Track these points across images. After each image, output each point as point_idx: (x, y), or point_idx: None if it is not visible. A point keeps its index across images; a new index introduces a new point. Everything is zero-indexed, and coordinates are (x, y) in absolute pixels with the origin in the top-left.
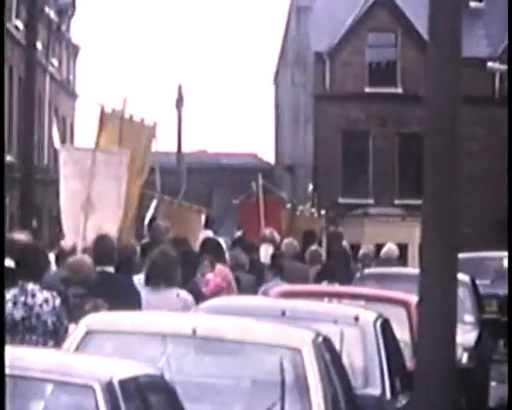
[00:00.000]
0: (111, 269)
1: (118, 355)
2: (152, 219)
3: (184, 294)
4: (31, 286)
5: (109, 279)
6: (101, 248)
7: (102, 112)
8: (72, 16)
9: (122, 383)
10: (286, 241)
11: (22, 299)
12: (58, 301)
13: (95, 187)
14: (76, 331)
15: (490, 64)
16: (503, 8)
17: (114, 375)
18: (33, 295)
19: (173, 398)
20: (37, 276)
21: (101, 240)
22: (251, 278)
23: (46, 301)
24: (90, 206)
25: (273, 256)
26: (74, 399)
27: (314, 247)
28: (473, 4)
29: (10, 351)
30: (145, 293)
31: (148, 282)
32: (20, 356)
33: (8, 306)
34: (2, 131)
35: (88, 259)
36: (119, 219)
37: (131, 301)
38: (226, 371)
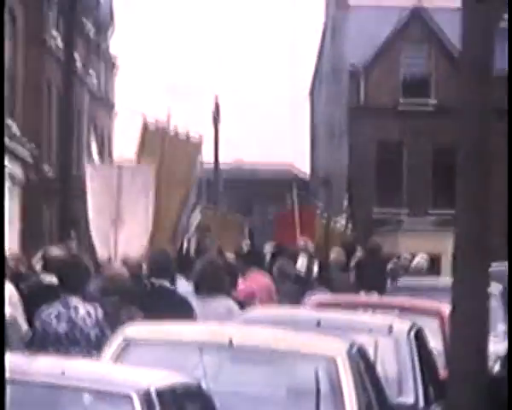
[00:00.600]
0: (166, 283)
1: (155, 365)
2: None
3: (231, 303)
4: (73, 300)
5: (164, 293)
6: (158, 261)
7: (145, 127)
8: (110, 31)
9: (159, 392)
10: (334, 252)
11: (65, 313)
12: (100, 314)
13: (123, 201)
14: (114, 342)
15: None
16: None
17: (152, 384)
18: (76, 309)
19: (210, 407)
20: (78, 289)
21: (158, 253)
22: (296, 288)
23: (89, 314)
24: (119, 220)
25: (320, 266)
26: (112, 408)
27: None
28: (504, 24)
29: (50, 361)
30: (193, 302)
31: (196, 291)
32: (59, 366)
33: (52, 321)
34: (3, 129)
35: (123, 269)
36: (148, 231)
37: (186, 313)
38: (262, 381)
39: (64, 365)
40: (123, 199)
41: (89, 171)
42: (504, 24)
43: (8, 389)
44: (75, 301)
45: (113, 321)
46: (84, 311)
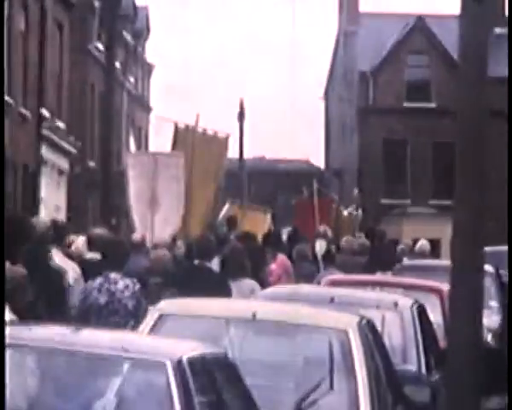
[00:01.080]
0: (208, 263)
1: (187, 336)
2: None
3: (252, 283)
4: (113, 275)
5: (205, 271)
6: (202, 245)
7: (176, 128)
8: (146, 38)
9: (190, 360)
10: (345, 238)
11: (106, 286)
12: (137, 287)
13: (158, 186)
14: (150, 315)
15: None
16: None
17: (184, 354)
18: (115, 283)
19: (235, 374)
20: (119, 266)
21: (202, 238)
22: (312, 268)
23: (127, 287)
24: (155, 203)
25: (328, 250)
26: (148, 375)
27: (362, 240)
28: (497, 30)
29: (91, 332)
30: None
31: (224, 268)
32: (100, 337)
33: (94, 293)
34: (3, 126)
35: (167, 253)
36: (180, 214)
37: (222, 291)
38: (281, 350)
39: (105, 336)
40: (158, 184)
41: (128, 160)
42: (499, 30)
43: (58, 358)
44: (115, 275)
45: (155, 299)
46: (122, 284)
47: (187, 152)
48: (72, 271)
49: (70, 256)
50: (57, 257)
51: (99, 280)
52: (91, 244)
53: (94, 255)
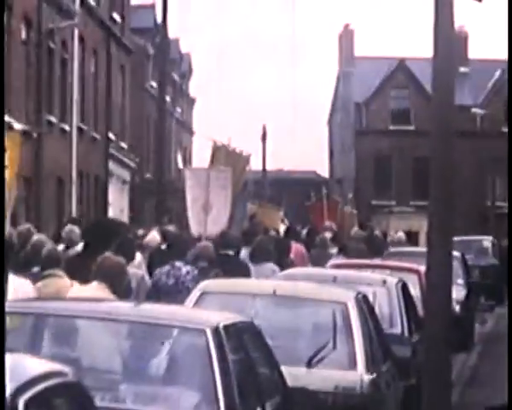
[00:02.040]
0: (231, 252)
1: (222, 309)
2: (250, 217)
3: (273, 266)
4: (178, 263)
5: (230, 258)
6: (227, 238)
7: (215, 146)
8: (189, 78)
9: (225, 327)
10: (354, 230)
11: (172, 272)
12: (196, 272)
13: (210, 193)
14: (194, 293)
15: (473, 110)
16: (482, 72)
17: (220, 322)
18: (179, 269)
19: (260, 337)
20: (182, 255)
21: (226, 233)
22: (321, 254)
23: (188, 272)
24: (208, 206)
25: (336, 239)
26: (192, 339)
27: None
28: (462, 69)
29: (149, 306)
30: (251, 266)
31: (252, 258)
32: (156, 310)
33: (163, 277)
34: (3, 128)
35: (210, 244)
36: (227, 215)
37: (244, 273)
38: (295, 319)
39: (160, 309)
40: (210, 192)
41: (187, 173)
42: (462, 69)
43: (125, 326)
44: (179, 263)
45: (203, 278)
46: (185, 270)
47: (221, 164)
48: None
49: (141, 247)
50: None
51: (167, 267)
52: (164, 237)
53: (163, 246)
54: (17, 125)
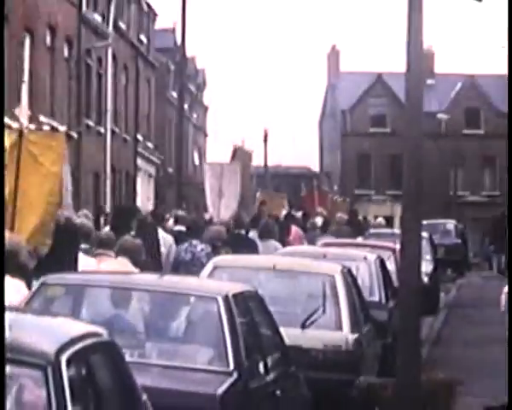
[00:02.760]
0: (243, 231)
1: (231, 280)
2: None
3: (276, 244)
4: (194, 241)
5: (241, 236)
6: (240, 220)
7: (235, 148)
8: (203, 89)
9: (234, 296)
10: (338, 215)
11: (190, 249)
12: (209, 249)
13: (224, 183)
14: (207, 267)
15: (438, 115)
16: (446, 84)
17: (229, 291)
18: (195, 247)
19: (262, 304)
20: (198, 235)
21: (239, 216)
22: (315, 235)
23: (202, 249)
24: (221, 194)
25: (325, 223)
26: (206, 305)
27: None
28: (428, 81)
29: (170, 278)
30: (258, 242)
31: (259, 236)
32: (176, 281)
33: (182, 253)
34: (3, 129)
35: (223, 227)
36: (237, 201)
37: (253, 249)
38: (292, 289)
39: (179, 280)
40: (223, 183)
41: (205, 167)
42: (429, 81)
43: (150, 295)
44: (195, 242)
45: (216, 255)
46: (200, 247)
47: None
48: (168, 239)
49: (165, 229)
50: (160, 231)
51: (185, 245)
52: (177, 221)
53: (180, 228)
54: (61, 128)
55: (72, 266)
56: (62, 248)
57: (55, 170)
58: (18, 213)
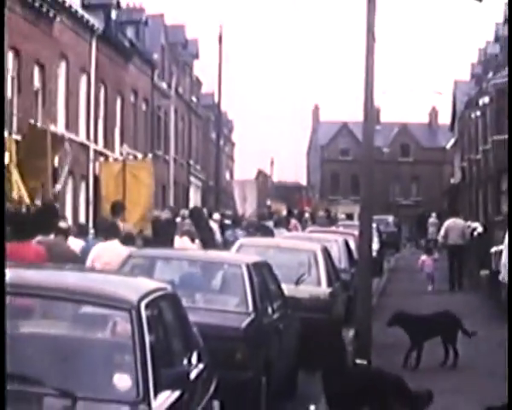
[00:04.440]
0: (265, 223)
1: (251, 254)
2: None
3: (284, 230)
4: (236, 229)
5: (264, 226)
6: (263, 216)
7: (259, 171)
8: (232, 131)
9: (252, 264)
10: (320, 213)
11: (233, 234)
12: (245, 233)
13: (247, 192)
14: (236, 245)
15: (383, 149)
16: (387, 129)
17: (249, 261)
18: (237, 232)
19: (271, 269)
20: (238, 225)
21: (261, 212)
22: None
23: (241, 234)
24: (245, 199)
25: (311, 217)
26: (234, 270)
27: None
28: (377, 127)
29: (212, 252)
30: (274, 229)
31: (274, 225)
32: (215, 254)
33: (230, 237)
34: (3, 129)
35: (254, 218)
36: (255, 205)
37: (271, 233)
38: (289, 260)
39: (218, 254)
40: (246, 191)
41: (235, 183)
42: (377, 127)
43: (196, 263)
44: (236, 229)
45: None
46: (239, 232)
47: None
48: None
49: (215, 221)
50: (211, 222)
51: (230, 231)
52: (224, 217)
53: (227, 221)
54: (139, 156)
55: (169, 244)
56: (166, 234)
57: (148, 182)
58: (127, 211)
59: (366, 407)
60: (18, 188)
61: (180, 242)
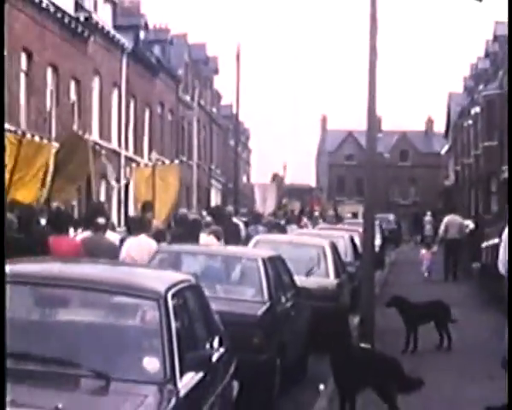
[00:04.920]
0: (280, 221)
1: (266, 249)
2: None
3: (295, 227)
4: (258, 225)
5: (279, 224)
6: (278, 215)
7: (274, 175)
8: (249, 138)
9: (267, 258)
10: (328, 212)
11: (255, 229)
12: (265, 229)
13: (267, 194)
14: (252, 240)
15: (385, 155)
16: (388, 136)
17: (264, 255)
18: (258, 228)
19: (284, 262)
20: (259, 222)
21: (278, 211)
22: (317, 222)
23: (262, 230)
24: (265, 200)
25: (320, 216)
26: (251, 263)
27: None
28: (379, 135)
29: (232, 248)
30: (286, 227)
31: (286, 223)
32: (235, 249)
33: (252, 231)
34: (3, 129)
35: (271, 217)
36: (274, 204)
37: (284, 230)
38: (301, 254)
39: (235, 249)
40: (266, 193)
41: (256, 186)
42: (379, 135)
43: (213, 257)
44: (258, 225)
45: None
46: (261, 229)
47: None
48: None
49: (238, 218)
50: (234, 219)
51: (252, 227)
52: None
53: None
54: (166, 161)
55: (195, 240)
56: (192, 231)
57: (175, 185)
58: (156, 210)
59: (369, 386)
60: (48, 190)
61: (206, 239)
